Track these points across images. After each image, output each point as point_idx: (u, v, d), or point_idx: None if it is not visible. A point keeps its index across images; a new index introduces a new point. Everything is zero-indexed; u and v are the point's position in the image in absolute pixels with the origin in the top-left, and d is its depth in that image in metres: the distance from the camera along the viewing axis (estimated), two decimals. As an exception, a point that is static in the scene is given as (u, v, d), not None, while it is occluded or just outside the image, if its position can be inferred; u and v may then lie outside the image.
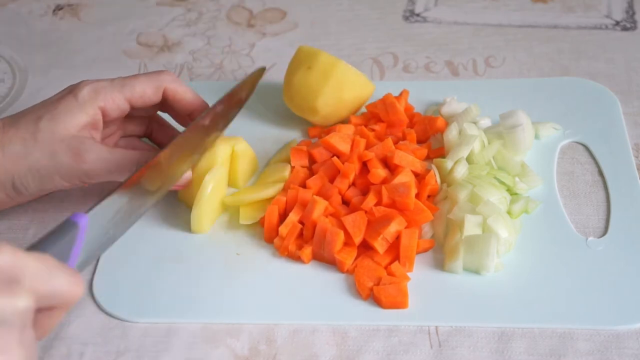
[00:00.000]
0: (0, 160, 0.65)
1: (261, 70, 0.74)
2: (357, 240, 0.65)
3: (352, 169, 0.69)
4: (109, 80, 0.69)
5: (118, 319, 0.64)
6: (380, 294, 0.62)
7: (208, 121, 0.67)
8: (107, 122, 0.69)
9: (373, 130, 0.75)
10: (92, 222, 0.54)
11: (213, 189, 0.68)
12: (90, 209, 0.55)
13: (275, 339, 0.62)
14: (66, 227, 0.52)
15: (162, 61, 0.91)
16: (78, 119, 0.66)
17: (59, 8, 1.00)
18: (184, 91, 0.70)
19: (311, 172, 0.72)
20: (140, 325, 0.63)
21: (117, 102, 0.68)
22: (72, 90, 0.67)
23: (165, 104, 0.71)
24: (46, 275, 0.46)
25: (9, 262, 0.44)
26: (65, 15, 0.99)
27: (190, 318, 0.63)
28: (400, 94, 0.79)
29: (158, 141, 0.76)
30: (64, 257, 0.52)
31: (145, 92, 0.69)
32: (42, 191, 0.68)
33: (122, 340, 0.62)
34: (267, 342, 0.61)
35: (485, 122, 0.76)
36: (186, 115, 0.72)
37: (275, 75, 0.87)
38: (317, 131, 0.78)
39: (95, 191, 0.75)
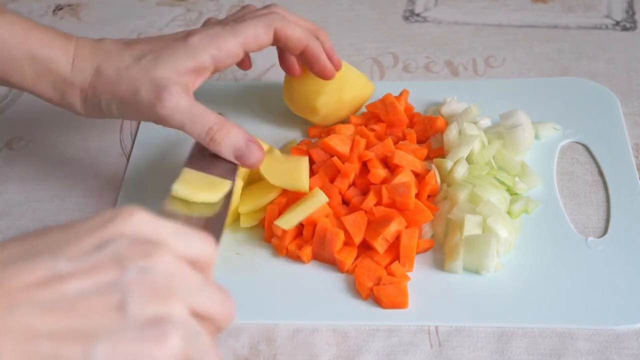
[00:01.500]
0: (96, 85, 0.65)
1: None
2: (357, 240, 0.65)
3: (352, 169, 0.69)
4: (220, 26, 0.67)
5: (118, 319, 0.64)
6: (380, 294, 0.62)
7: None
8: (219, 68, 0.68)
9: (373, 130, 0.75)
10: None
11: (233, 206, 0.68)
12: None
13: (275, 339, 0.62)
14: None
15: (162, 61, 0.91)
16: (184, 62, 0.65)
17: (59, 8, 1.00)
18: (292, 30, 0.69)
19: (311, 172, 0.72)
20: (140, 325, 0.63)
21: (231, 48, 0.66)
22: (185, 37, 0.66)
23: (276, 42, 0.70)
24: (201, 290, 0.39)
25: (172, 268, 0.38)
26: (65, 15, 0.99)
27: (190, 318, 0.63)
28: (400, 94, 0.79)
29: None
30: None
31: (258, 34, 0.68)
32: (124, 117, 0.68)
33: (122, 340, 0.62)
34: (267, 342, 0.61)
35: (485, 122, 0.76)
36: (298, 55, 0.71)
37: (275, 75, 0.87)
38: (317, 131, 0.78)
39: (101, 190, 0.75)
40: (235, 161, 0.65)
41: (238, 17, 0.70)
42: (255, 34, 0.67)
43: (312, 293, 0.64)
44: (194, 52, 0.65)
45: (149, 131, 0.80)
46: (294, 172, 0.67)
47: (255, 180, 0.71)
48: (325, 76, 0.73)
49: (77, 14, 0.99)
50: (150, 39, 0.68)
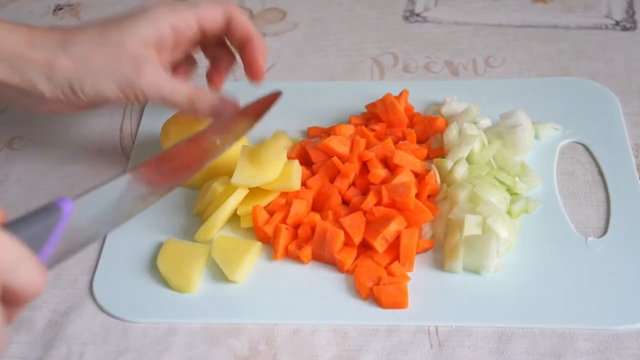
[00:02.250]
0: (62, 60, 0.65)
1: (275, 95, 0.73)
2: (357, 240, 0.65)
3: (352, 169, 0.69)
4: (179, 1, 0.69)
5: (118, 318, 0.64)
6: (380, 294, 0.62)
7: (221, 134, 0.67)
8: (176, 43, 0.70)
9: (373, 130, 0.75)
10: (77, 210, 0.51)
11: (232, 209, 0.68)
12: (79, 196, 0.52)
13: (275, 339, 0.62)
14: (48, 210, 0.49)
15: (162, 61, 0.90)
16: (146, 32, 0.66)
17: (59, 8, 1.00)
18: (245, 19, 0.71)
19: (311, 173, 0.72)
20: (140, 325, 0.63)
21: (188, 20, 0.68)
22: (143, 8, 0.68)
23: (227, 29, 0.71)
24: (13, 266, 0.44)
25: None
26: (65, 16, 0.99)
27: (190, 318, 0.63)
28: (400, 94, 0.78)
29: None
30: (40, 240, 0.49)
31: (215, 12, 0.69)
32: (97, 97, 0.67)
33: (122, 340, 0.62)
34: (267, 342, 0.61)
35: (485, 122, 0.76)
36: (238, 48, 0.72)
37: (275, 75, 0.87)
38: (317, 131, 0.78)
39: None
40: (213, 117, 0.68)
41: (194, 2, 0.71)
42: (212, 12, 0.69)
43: (312, 293, 0.64)
44: (154, 20, 0.67)
45: (149, 131, 0.80)
46: (285, 173, 0.68)
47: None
48: (256, 77, 0.73)
49: (77, 14, 0.99)
50: (104, 18, 0.68)
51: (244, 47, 0.72)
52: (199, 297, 0.65)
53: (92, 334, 0.63)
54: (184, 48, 0.72)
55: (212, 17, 0.70)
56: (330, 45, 0.91)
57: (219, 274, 0.66)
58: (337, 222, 0.66)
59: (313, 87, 0.84)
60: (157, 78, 0.66)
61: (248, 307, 0.64)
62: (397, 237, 0.65)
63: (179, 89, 0.67)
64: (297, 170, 0.69)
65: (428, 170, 0.70)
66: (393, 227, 0.65)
